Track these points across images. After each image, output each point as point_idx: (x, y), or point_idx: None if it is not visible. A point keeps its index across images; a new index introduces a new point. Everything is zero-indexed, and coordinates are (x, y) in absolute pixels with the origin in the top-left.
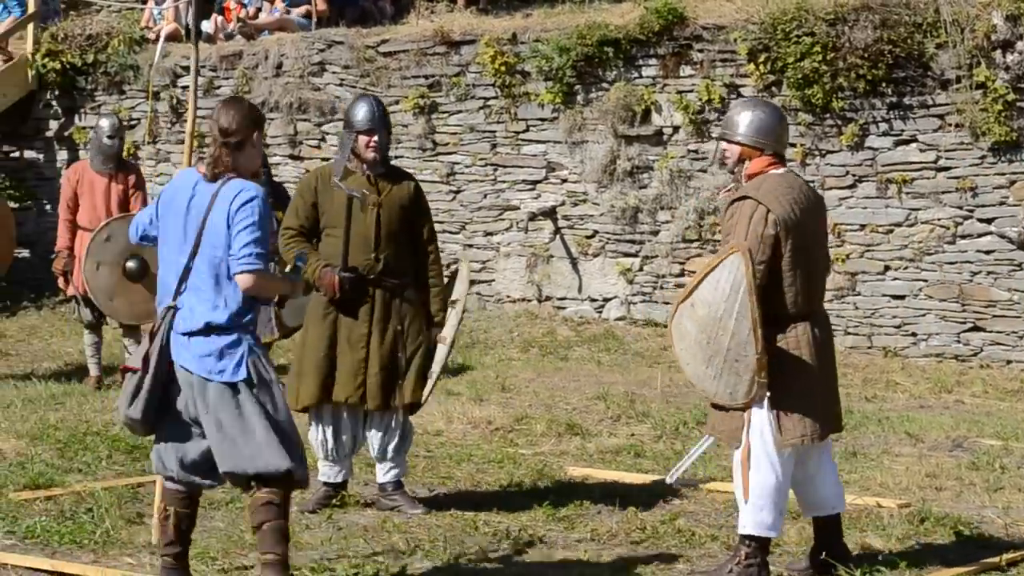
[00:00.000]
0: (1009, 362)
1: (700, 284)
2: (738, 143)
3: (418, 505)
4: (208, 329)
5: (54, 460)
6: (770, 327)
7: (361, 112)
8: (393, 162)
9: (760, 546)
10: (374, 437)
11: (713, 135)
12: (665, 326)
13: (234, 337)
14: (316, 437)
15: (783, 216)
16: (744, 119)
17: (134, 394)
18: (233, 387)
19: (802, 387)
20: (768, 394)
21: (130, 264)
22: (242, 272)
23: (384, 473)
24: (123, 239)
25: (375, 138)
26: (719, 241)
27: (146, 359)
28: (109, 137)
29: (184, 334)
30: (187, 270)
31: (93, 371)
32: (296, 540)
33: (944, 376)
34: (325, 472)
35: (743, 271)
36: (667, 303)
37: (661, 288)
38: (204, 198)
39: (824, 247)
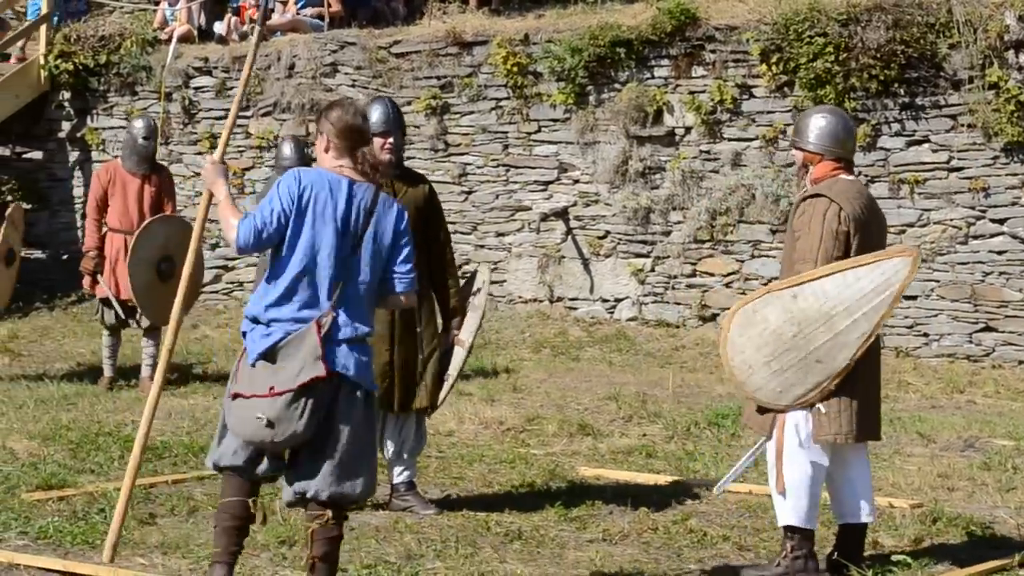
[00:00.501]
0: (1021, 362)
1: (825, 277)
2: (800, 149)
3: (430, 506)
4: (366, 337)
5: (66, 461)
6: None
7: (376, 114)
8: (406, 163)
9: (804, 537)
10: (390, 440)
11: (725, 136)
12: (677, 326)
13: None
14: None
15: (854, 215)
16: (806, 126)
17: (313, 409)
18: (369, 396)
19: (843, 387)
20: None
21: (163, 266)
22: (408, 292)
23: (398, 475)
24: (160, 240)
25: (390, 140)
26: (731, 241)
27: (328, 361)
28: (144, 138)
29: (345, 341)
30: (345, 278)
31: (107, 372)
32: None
33: (956, 376)
34: None
35: (904, 275)
36: (679, 303)
37: (673, 289)
38: (365, 204)
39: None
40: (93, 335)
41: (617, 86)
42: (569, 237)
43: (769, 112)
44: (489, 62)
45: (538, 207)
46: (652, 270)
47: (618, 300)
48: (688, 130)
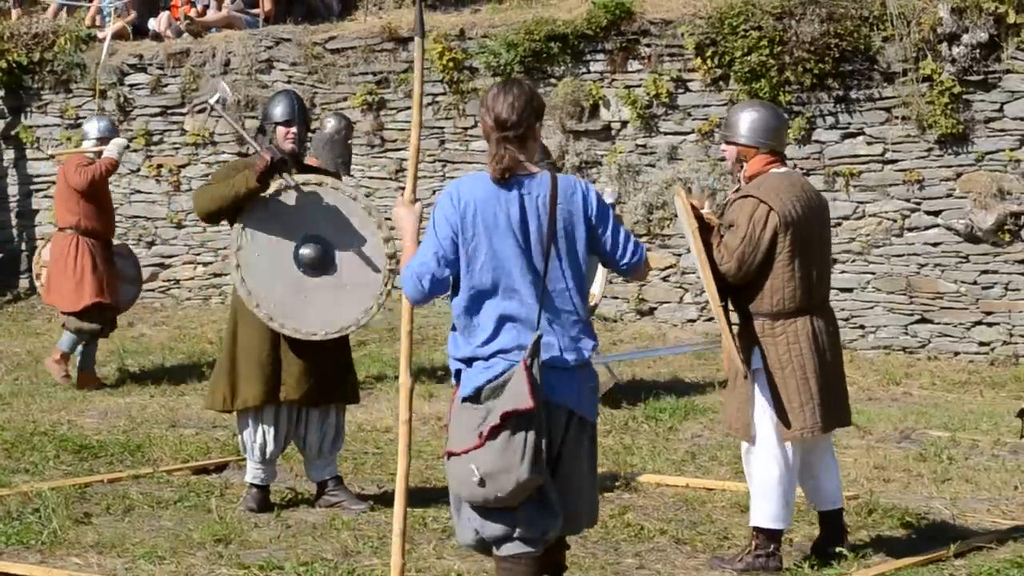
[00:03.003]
0: (956, 354)
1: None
2: (734, 143)
3: (361, 501)
4: (589, 360)
5: (0, 460)
6: (769, 320)
7: (281, 105)
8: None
9: (770, 537)
10: (313, 436)
11: (661, 130)
12: (615, 320)
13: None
14: (255, 439)
15: (783, 213)
16: (738, 120)
17: (535, 447)
18: (593, 427)
19: (800, 381)
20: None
21: None
22: (641, 259)
23: (321, 470)
24: None
25: (293, 130)
26: (668, 235)
27: (535, 395)
28: (338, 133)
29: (562, 368)
30: (546, 291)
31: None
32: (244, 539)
33: (892, 368)
34: (256, 474)
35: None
36: (616, 297)
37: (610, 283)
38: (543, 197)
39: (827, 244)
40: (28, 335)
41: (553, 81)
42: None
43: (705, 106)
44: (425, 57)
45: None
46: None
47: None
48: (624, 124)
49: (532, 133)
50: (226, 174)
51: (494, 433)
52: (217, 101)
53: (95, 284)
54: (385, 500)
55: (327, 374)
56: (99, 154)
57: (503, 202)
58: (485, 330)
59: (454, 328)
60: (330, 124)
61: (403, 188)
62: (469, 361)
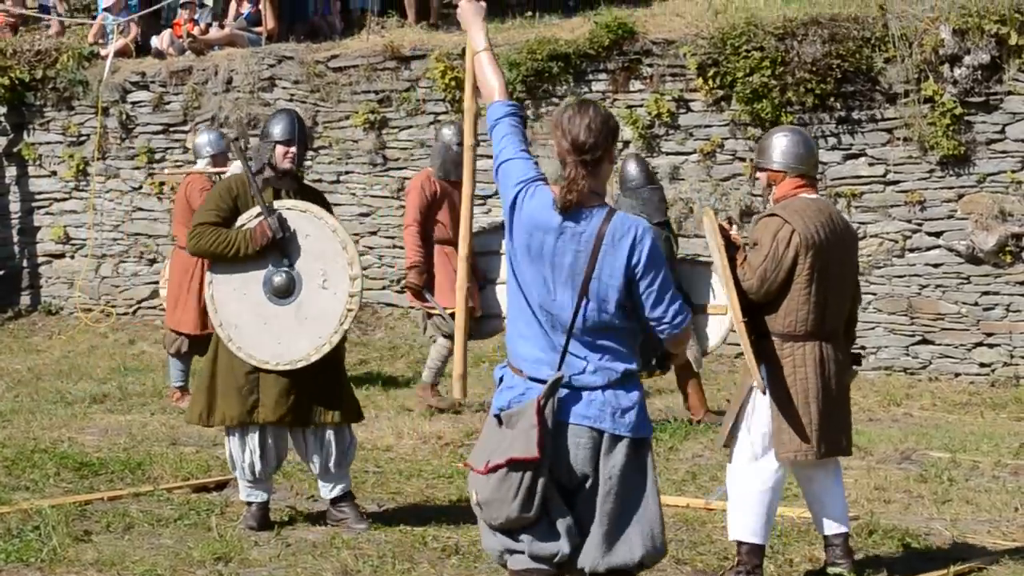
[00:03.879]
0: (957, 375)
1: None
2: (764, 169)
3: (363, 520)
4: (623, 379)
5: (1, 478)
6: (779, 341)
7: (281, 124)
8: (343, 177)
9: (751, 553)
10: (314, 455)
11: (663, 150)
12: None
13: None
14: (243, 458)
15: (805, 235)
16: (769, 145)
17: (529, 489)
18: (639, 444)
19: (802, 404)
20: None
21: None
22: (674, 338)
23: (330, 490)
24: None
25: (292, 149)
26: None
27: (542, 445)
28: (458, 144)
29: (590, 388)
30: (572, 327)
31: (430, 378)
32: (244, 557)
33: (893, 389)
34: (249, 493)
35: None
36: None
37: None
38: (575, 235)
39: (852, 274)
40: (29, 351)
41: (555, 100)
42: None
43: (706, 126)
44: (427, 76)
45: (477, 221)
46: None
47: None
48: (626, 144)
49: (608, 156)
50: (216, 205)
51: (495, 467)
52: (236, 139)
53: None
54: (385, 519)
55: (312, 395)
56: (220, 175)
57: (549, 227)
58: (514, 341)
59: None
60: (447, 134)
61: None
62: (516, 371)
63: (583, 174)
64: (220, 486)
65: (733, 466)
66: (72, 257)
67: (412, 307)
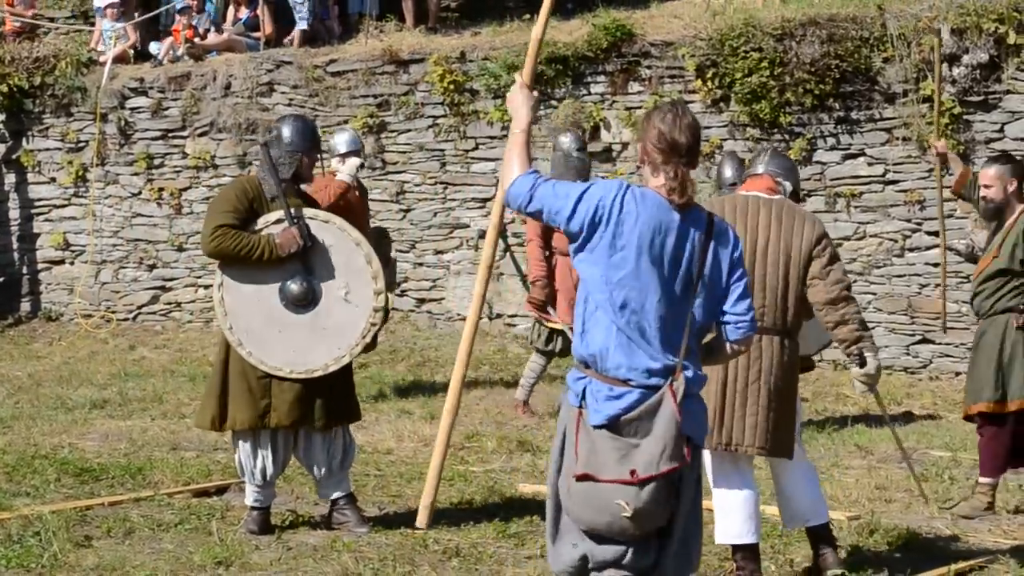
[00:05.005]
0: (958, 374)
1: None
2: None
3: (364, 524)
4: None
5: (1, 484)
6: None
7: (303, 132)
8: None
9: (745, 555)
10: (320, 457)
11: None
12: None
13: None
14: (254, 463)
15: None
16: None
17: (666, 496)
18: (699, 452)
19: (716, 397)
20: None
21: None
22: (744, 339)
23: (332, 488)
24: None
25: (317, 158)
26: None
27: (683, 451)
28: (578, 150)
29: (692, 400)
30: (685, 327)
31: (521, 395)
32: (245, 561)
33: (893, 388)
34: (257, 497)
35: None
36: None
37: None
38: (688, 236)
39: (774, 270)
40: (29, 358)
41: (554, 103)
42: (507, 254)
43: (705, 127)
44: (426, 80)
45: (476, 224)
46: None
47: None
48: (625, 146)
49: (696, 159)
50: (234, 207)
51: (647, 477)
52: (265, 144)
53: None
54: (386, 522)
55: (324, 398)
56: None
57: (666, 228)
58: (607, 345)
59: (579, 320)
60: (565, 141)
61: (403, 210)
62: (590, 371)
63: (688, 175)
64: (221, 491)
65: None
66: (72, 263)
67: (412, 311)
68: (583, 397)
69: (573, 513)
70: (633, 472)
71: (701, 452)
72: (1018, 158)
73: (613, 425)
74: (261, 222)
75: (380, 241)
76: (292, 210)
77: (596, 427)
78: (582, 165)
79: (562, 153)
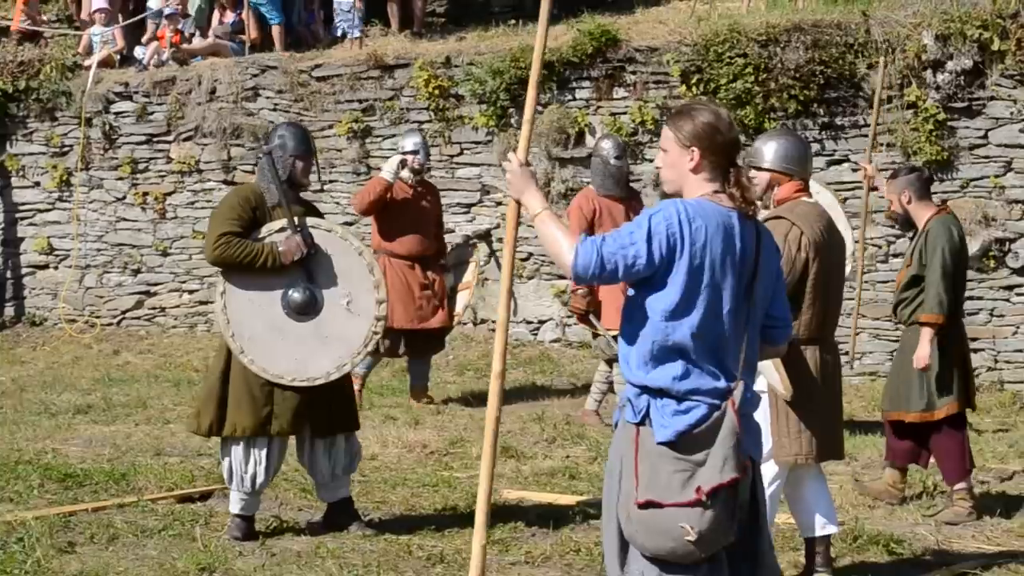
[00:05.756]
0: None
1: None
2: (767, 170)
3: (367, 525)
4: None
5: None
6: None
7: (298, 137)
8: (327, 186)
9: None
10: (323, 462)
11: (646, 157)
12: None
13: None
14: (245, 470)
15: (814, 239)
16: (771, 148)
17: (735, 509)
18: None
19: (803, 408)
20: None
21: None
22: (787, 341)
23: (334, 491)
24: None
25: (313, 162)
26: None
27: (743, 463)
28: (616, 158)
29: (750, 414)
30: (745, 336)
31: (591, 405)
32: (229, 567)
33: (878, 394)
34: (243, 505)
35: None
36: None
37: None
38: (747, 241)
39: (841, 279)
40: (13, 363)
41: (539, 108)
42: (492, 259)
43: None
44: (411, 85)
45: (461, 229)
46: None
47: (541, 322)
48: None
49: None
50: (238, 216)
51: (714, 494)
52: (269, 152)
53: (398, 307)
54: (371, 528)
55: (326, 406)
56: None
57: (731, 234)
58: (682, 364)
59: (629, 344)
60: (604, 147)
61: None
62: (658, 393)
63: (735, 176)
64: (204, 496)
65: None
66: (56, 268)
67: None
68: (646, 413)
69: (636, 541)
70: (699, 489)
71: (759, 469)
72: (914, 168)
73: (678, 442)
74: (264, 230)
75: (464, 249)
76: (296, 219)
77: (660, 443)
78: (619, 173)
79: (600, 159)
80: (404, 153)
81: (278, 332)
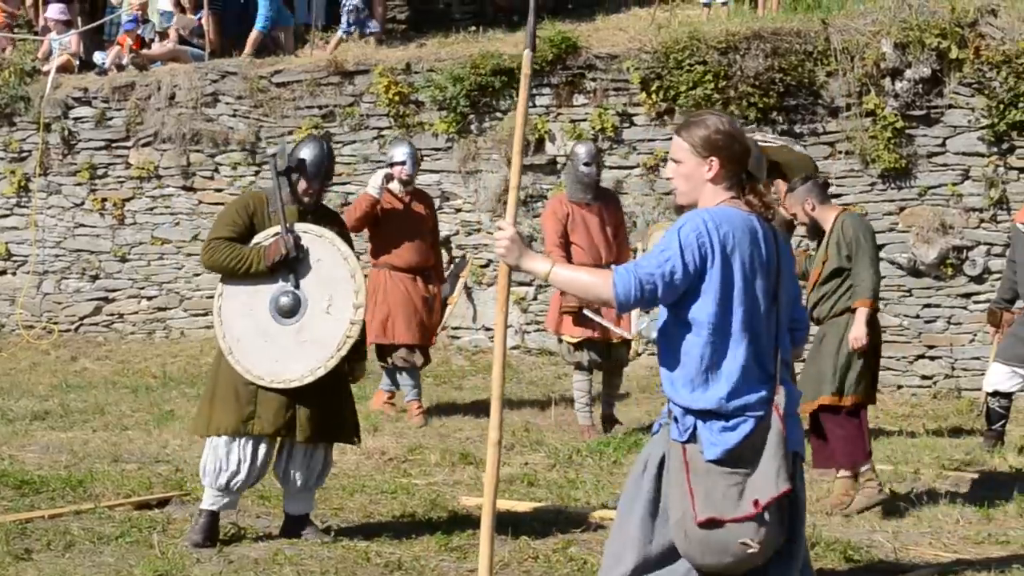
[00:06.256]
0: (899, 387)
1: None
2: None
3: (324, 533)
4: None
5: None
6: None
7: (314, 158)
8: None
9: None
10: (298, 470)
11: (606, 164)
12: (560, 355)
13: None
14: (226, 467)
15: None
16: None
17: (782, 515)
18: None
19: None
20: None
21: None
22: (804, 343)
23: (301, 503)
24: None
25: (315, 185)
26: None
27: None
28: (585, 164)
29: (793, 415)
30: (777, 341)
31: (584, 420)
32: (186, 574)
33: None
34: (216, 501)
35: None
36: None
37: None
38: (770, 244)
39: None
40: None
41: (499, 115)
42: (452, 266)
43: (650, 140)
44: (371, 91)
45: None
46: (535, 299)
47: None
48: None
49: None
50: (232, 221)
51: (769, 502)
52: (274, 155)
53: (400, 321)
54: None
55: (310, 411)
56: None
57: (756, 238)
58: (728, 380)
59: (671, 367)
60: (576, 153)
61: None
62: (704, 414)
63: (751, 183)
64: (162, 503)
65: None
66: (14, 274)
67: None
68: (693, 431)
69: (693, 559)
70: (756, 502)
71: (801, 462)
72: (808, 177)
73: (727, 458)
74: (260, 236)
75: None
76: (287, 223)
77: (711, 461)
78: (589, 179)
79: (571, 165)
80: (391, 164)
81: (263, 334)
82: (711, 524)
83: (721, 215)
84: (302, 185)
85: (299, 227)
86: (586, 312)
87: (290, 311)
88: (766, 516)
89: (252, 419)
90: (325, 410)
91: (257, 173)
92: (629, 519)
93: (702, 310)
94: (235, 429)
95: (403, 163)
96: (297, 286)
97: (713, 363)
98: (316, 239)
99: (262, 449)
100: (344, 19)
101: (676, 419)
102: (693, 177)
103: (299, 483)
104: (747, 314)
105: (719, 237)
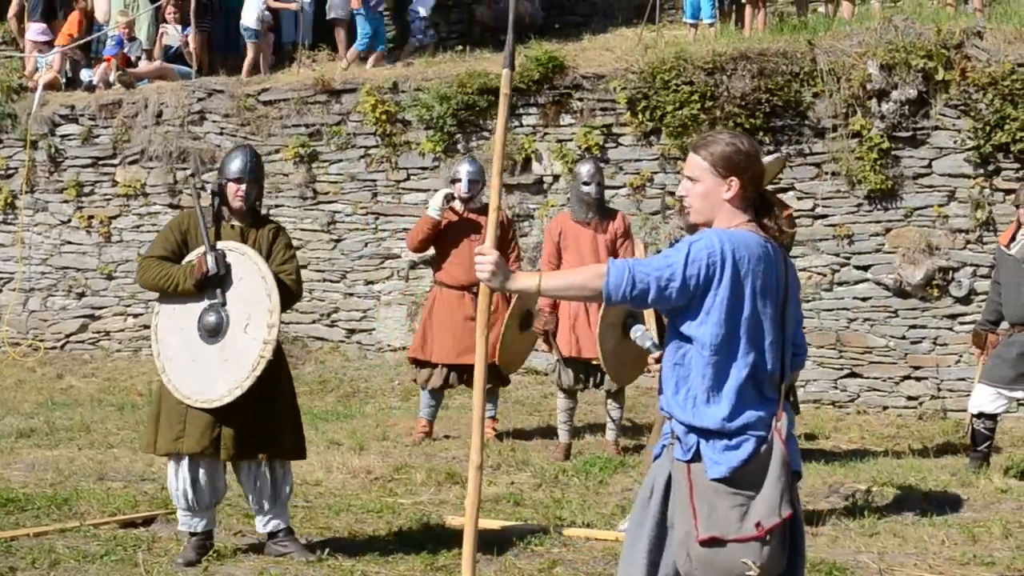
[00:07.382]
0: (885, 408)
1: None
2: None
3: (310, 552)
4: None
5: None
6: None
7: (235, 161)
8: (273, 210)
9: None
10: (250, 490)
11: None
12: (545, 374)
13: None
14: (176, 486)
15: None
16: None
17: (785, 538)
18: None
19: None
20: None
21: (629, 321)
22: (802, 366)
23: (264, 523)
24: None
25: (243, 187)
26: None
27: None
28: (584, 184)
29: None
30: (782, 363)
31: (563, 438)
32: None
33: (821, 422)
34: (185, 522)
35: None
36: (548, 352)
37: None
38: (780, 270)
39: None
40: None
41: (485, 134)
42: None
43: (636, 160)
44: (358, 110)
45: (407, 255)
46: None
47: None
48: (556, 178)
49: None
50: (165, 239)
51: (773, 526)
52: (192, 175)
53: (437, 339)
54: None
55: (243, 430)
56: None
57: (770, 264)
58: (729, 401)
59: (673, 384)
60: (579, 172)
61: (334, 240)
62: (707, 433)
63: (764, 205)
64: (147, 521)
65: None
66: (0, 291)
67: (342, 342)
68: (696, 450)
69: None
70: (759, 524)
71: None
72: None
73: (731, 477)
74: (192, 255)
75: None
76: (211, 241)
77: (714, 480)
78: (588, 198)
79: (574, 183)
80: (452, 182)
81: (190, 353)
82: (713, 543)
83: (739, 239)
84: (231, 189)
85: (223, 244)
86: (551, 338)
87: (215, 329)
88: (768, 538)
89: (181, 438)
90: (254, 428)
91: None
92: (638, 544)
93: (706, 330)
94: (168, 449)
95: (459, 180)
96: (224, 303)
97: (715, 383)
98: (239, 257)
99: (203, 467)
100: (415, 27)
101: (679, 439)
102: (710, 196)
103: (252, 501)
104: (752, 338)
105: (733, 260)
